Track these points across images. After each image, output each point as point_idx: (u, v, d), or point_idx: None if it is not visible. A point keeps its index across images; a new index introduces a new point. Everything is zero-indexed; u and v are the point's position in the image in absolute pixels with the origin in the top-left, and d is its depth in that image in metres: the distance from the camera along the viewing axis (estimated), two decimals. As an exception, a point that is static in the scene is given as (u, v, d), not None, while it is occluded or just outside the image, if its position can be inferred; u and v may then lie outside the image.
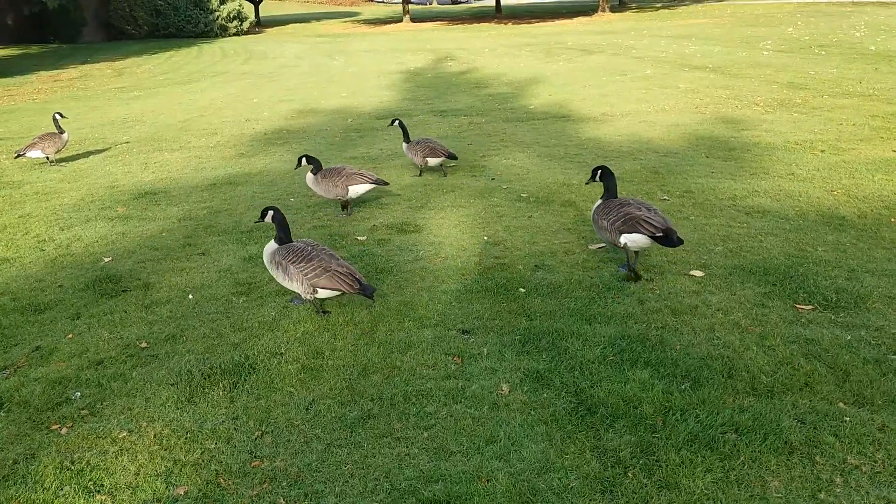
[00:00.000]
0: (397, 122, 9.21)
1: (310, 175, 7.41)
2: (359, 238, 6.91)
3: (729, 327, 4.70)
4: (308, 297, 4.96)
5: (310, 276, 4.83)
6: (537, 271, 5.82)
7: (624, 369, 4.20)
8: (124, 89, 23.02)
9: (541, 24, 44.25)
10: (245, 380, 4.35)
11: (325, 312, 5.17)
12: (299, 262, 4.89)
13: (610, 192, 5.71)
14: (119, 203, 8.73)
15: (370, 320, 5.07)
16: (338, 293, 4.93)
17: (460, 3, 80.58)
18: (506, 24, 45.86)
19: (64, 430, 3.95)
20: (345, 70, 25.30)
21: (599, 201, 5.73)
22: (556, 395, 3.99)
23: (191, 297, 5.70)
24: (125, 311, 5.49)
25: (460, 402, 3.98)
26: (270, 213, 5.19)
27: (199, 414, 4.04)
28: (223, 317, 5.30)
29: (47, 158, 11.04)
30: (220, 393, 4.22)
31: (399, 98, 17.53)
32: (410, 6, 56.58)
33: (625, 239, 5.36)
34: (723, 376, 4.09)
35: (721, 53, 21.75)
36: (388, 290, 5.59)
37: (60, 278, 6.27)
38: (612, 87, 16.95)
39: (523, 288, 5.46)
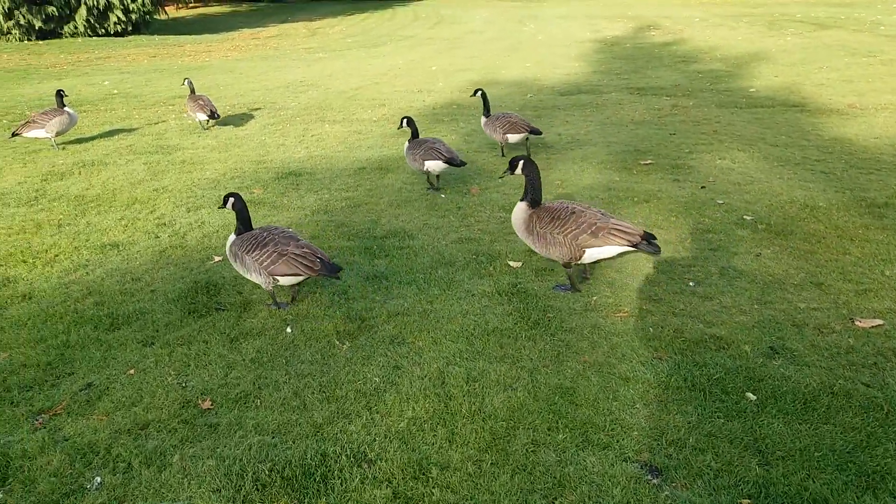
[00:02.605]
0: (480, 92, 8.33)
1: (406, 144, 7.20)
2: (511, 264, 5.25)
3: None
4: (269, 288, 4.53)
5: (265, 263, 4.40)
6: (774, 359, 3.81)
7: None
8: (311, 50, 22.92)
9: (762, -10, 39.00)
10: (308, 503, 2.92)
11: (283, 304, 4.72)
12: (253, 250, 4.45)
13: (534, 190, 4.63)
14: (258, 183, 7.76)
15: (507, 413, 3.43)
16: (300, 278, 4.44)
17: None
18: (720, -10, 41.02)
19: (52, 550, 2.77)
20: (533, 37, 23.41)
21: (523, 205, 4.66)
22: None
23: (289, 330, 4.41)
24: (206, 343, 4.30)
25: None
26: (231, 200, 4.76)
27: (228, 561, 2.67)
28: (316, 371, 3.93)
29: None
30: (269, 524, 2.82)
31: (589, 70, 15.43)
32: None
33: (593, 254, 4.42)
34: None
35: None
36: (540, 361, 3.90)
37: (158, 279, 5.28)
38: (856, 70, 13.65)
39: (753, 393, 3.50)
